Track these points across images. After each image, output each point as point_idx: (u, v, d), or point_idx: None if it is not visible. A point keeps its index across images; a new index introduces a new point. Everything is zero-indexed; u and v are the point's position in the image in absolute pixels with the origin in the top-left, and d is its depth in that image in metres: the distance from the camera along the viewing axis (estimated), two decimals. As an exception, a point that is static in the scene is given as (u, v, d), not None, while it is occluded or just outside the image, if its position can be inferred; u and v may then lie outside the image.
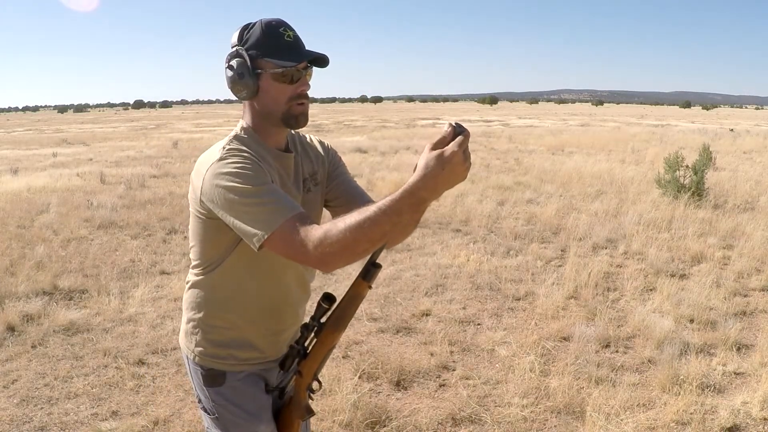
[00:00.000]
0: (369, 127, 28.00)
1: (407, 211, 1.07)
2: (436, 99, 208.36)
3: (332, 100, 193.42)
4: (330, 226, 1.12)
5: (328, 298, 1.27)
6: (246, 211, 1.19)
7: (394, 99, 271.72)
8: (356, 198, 1.51)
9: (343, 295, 1.26)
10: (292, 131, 1.46)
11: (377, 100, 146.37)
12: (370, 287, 1.24)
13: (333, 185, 1.52)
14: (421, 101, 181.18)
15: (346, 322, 1.27)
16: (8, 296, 4.30)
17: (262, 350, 1.45)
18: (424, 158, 1.06)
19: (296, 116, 1.33)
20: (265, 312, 1.43)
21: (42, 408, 2.89)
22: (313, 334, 1.31)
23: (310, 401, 1.43)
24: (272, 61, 1.27)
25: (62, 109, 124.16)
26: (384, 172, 10.78)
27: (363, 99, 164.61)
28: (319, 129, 27.65)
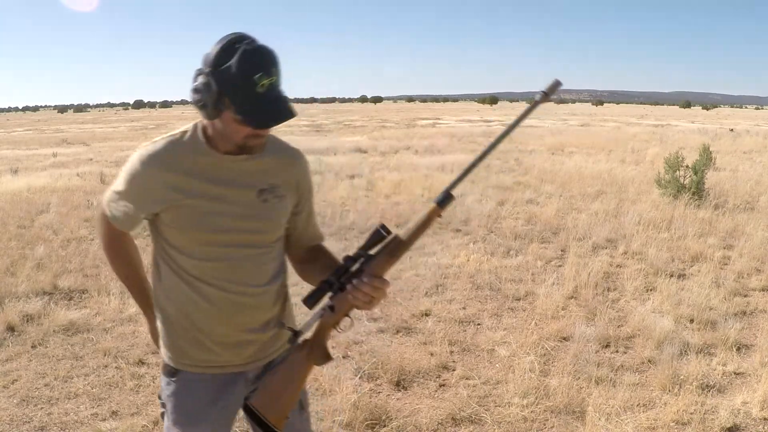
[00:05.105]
0: (369, 127, 27.99)
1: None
2: (436, 99, 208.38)
3: (332, 100, 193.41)
4: (112, 255, 1.51)
5: (385, 228, 1.28)
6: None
7: (394, 99, 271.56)
8: (303, 237, 1.52)
9: (413, 223, 1.29)
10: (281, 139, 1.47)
11: (377, 100, 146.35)
12: (440, 216, 1.29)
13: (294, 215, 1.49)
14: (421, 101, 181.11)
15: (408, 248, 1.29)
16: (8, 296, 4.30)
17: (218, 353, 1.43)
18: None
19: (251, 147, 1.33)
20: (199, 318, 1.41)
21: (42, 408, 2.89)
22: (357, 265, 1.30)
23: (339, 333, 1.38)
24: (236, 111, 1.22)
25: (62, 109, 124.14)
26: (384, 172, 10.77)
27: (363, 99, 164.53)
28: (319, 129, 27.65)
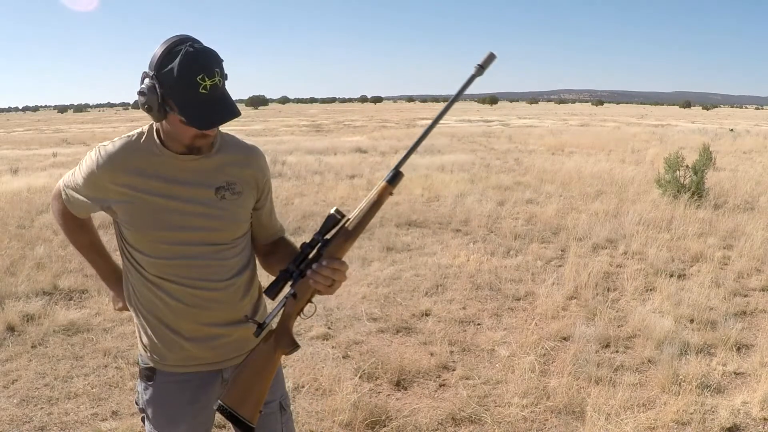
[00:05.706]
0: (369, 127, 27.99)
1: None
2: (436, 99, 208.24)
3: (332, 100, 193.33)
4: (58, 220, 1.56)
5: (339, 212, 1.30)
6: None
7: (394, 99, 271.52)
8: (264, 232, 1.54)
9: (365, 202, 1.30)
10: (236, 136, 1.49)
11: (377, 100, 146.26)
12: (391, 194, 1.30)
13: (256, 210, 1.51)
14: (421, 101, 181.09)
15: (363, 228, 1.30)
16: (8, 296, 4.30)
17: (190, 350, 1.44)
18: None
19: (199, 147, 1.35)
20: (174, 313, 1.41)
21: (42, 408, 2.90)
22: (314, 251, 1.32)
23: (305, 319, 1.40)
24: (180, 112, 1.24)
25: (62, 109, 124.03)
26: (384, 172, 10.73)
27: (363, 99, 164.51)
28: (320, 129, 27.65)
